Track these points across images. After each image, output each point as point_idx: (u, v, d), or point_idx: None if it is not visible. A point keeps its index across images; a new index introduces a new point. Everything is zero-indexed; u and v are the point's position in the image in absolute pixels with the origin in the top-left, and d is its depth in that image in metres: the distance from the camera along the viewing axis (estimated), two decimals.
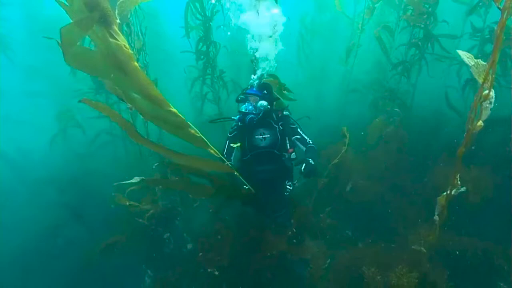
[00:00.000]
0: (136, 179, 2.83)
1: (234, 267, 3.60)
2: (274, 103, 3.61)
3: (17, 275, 4.91)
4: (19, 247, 5.37)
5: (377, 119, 5.52)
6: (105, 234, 4.54)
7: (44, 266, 4.90)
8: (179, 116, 2.47)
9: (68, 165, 7.41)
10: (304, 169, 3.24)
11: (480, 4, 5.47)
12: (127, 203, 3.64)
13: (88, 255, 4.48)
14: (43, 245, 5.33)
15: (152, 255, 4.30)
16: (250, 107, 3.39)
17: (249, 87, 3.52)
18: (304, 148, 3.53)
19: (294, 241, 3.70)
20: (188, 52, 6.06)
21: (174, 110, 2.45)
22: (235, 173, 3.08)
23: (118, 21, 2.28)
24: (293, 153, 3.58)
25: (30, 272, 4.92)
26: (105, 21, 2.18)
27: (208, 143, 2.69)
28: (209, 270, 3.51)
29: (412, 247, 2.90)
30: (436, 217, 2.62)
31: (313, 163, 3.28)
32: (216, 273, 3.49)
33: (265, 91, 3.46)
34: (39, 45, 8.85)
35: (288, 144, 3.55)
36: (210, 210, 4.03)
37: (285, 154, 3.56)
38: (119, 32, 2.25)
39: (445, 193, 2.50)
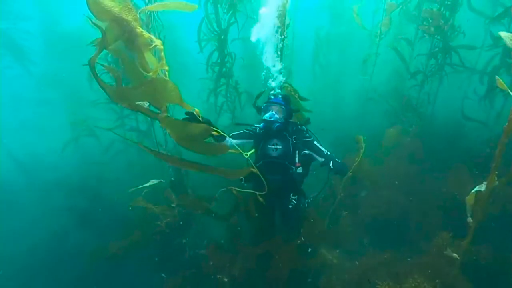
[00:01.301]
0: (153, 182, 2.80)
1: (245, 276, 3.59)
2: (294, 114, 3.66)
3: (25, 278, 4.88)
4: (30, 250, 5.38)
5: (391, 129, 5.45)
6: (117, 238, 4.53)
7: (53, 269, 4.87)
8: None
9: (82, 172, 7.44)
10: (333, 165, 3.27)
11: (502, 15, 5.39)
12: (145, 205, 3.58)
13: (98, 259, 4.50)
14: (53, 248, 5.32)
15: (164, 258, 4.29)
16: (276, 115, 3.43)
17: (272, 96, 3.58)
18: (323, 159, 3.49)
19: (309, 250, 3.69)
20: (205, 64, 6.10)
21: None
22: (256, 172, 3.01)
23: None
24: (300, 168, 3.56)
25: (39, 275, 4.88)
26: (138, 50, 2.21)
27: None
28: (218, 276, 3.56)
29: (444, 252, 2.75)
30: (469, 219, 2.45)
31: (339, 161, 3.33)
32: (226, 279, 3.53)
33: (287, 102, 3.56)
34: (56, 56, 9.12)
35: (297, 158, 3.54)
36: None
37: (293, 167, 3.56)
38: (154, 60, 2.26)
39: (474, 191, 2.35)
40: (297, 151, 3.54)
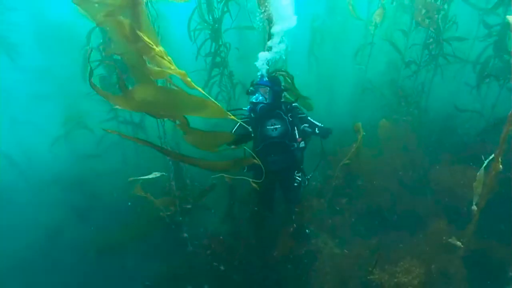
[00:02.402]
0: (155, 174, 2.80)
1: (243, 265, 3.70)
2: (284, 94, 3.79)
3: (22, 272, 4.84)
4: (25, 246, 5.30)
5: (384, 119, 5.49)
6: (114, 231, 4.62)
7: (50, 264, 4.84)
8: None
9: (76, 166, 7.37)
10: (318, 129, 3.53)
11: (497, 5, 5.42)
12: (144, 195, 3.57)
13: (95, 251, 4.58)
14: (49, 243, 5.30)
15: (161, 248, 4.33)
16: (261, 97, 3.51)
17: (259, 78, 3.60)
18: (316, 130, 3.67)
19: (306, 234, 3.85)
20: (197, 54, 5.99)
21: None
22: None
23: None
24: (302, 142, 3.72)
25: (36, 270, 4.84)
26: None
27: None
28: (214, 264, 3.65)
29: (449, 240, 2.78)
30: (474, 207, 2.45)
31: (323, 126, 3.61)
32: (222, 268, 3.63)
33: (274, 83, 3.60)
34: (46, 48, 9.01)
35: (297, 134, 3.67)
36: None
37: (295, 143, 3.68)
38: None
39: (481, 173, 2.34)
40: (295, 127, 3.66)
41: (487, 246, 3.45)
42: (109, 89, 6.24)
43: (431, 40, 5.70)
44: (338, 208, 4.18)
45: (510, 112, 2.16)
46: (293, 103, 3.77)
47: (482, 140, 5.18)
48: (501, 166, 2.26)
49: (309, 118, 3.74)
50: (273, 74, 3.70)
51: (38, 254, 5.09)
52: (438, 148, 5.35)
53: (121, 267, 4.44)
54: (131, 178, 3.00)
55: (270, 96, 3.52)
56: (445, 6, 5.53)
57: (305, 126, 3.68)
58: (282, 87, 3.71)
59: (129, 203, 4.17)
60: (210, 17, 5.65)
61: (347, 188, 4.50)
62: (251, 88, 3.57)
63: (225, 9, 5.66)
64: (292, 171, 3.84)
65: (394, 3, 6.41)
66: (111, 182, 5.88)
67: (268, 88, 3.51)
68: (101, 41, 5.62)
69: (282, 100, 3.75)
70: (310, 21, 9.20)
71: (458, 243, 2.66)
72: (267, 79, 3.56)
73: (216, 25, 5.70)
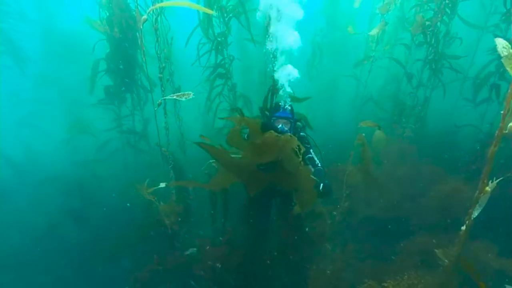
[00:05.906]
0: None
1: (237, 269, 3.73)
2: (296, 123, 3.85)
3: (16, 275, 4.91)
4: (24, 245, 5.41)
5: (378, 131, 5.47)
6: (111, 234, 4.72)
7: (47, 266, 4.93)
8: None
9: (77, 170, 7.49)
10: (322, 189, 3.34)
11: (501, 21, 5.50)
12: (151, 199, 3.62)
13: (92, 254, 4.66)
14: (46, 245, 5.36)
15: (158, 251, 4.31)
16: (286, 129, 3.59)
17: (280, 109, 3.69)
18: (313, 169, 3.59)
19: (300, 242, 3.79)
20: (200, 64, 6.08)
21: None
22: None
23: None
24: None
25: (30, 272, 4.93)
26: None
27: None
28: (209, 263, 3.68)
29: (437, 252, 2.74)
30: (462, 228, 2.41)
31: (328, 182, 3.41)
32: (218, 265, 3.67)
33: (293, 114, 3.75)
34: (54, 56, 9.30)
35: None
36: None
37: None
38: None
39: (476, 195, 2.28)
40: None
41: (480, 261, 3.44)
42: (113, 98, 6.37)
43: (431, 56, 5.76)
44: (333, 217, 4.18)
45: (497, 131, 2.06)
46: (303, 132, 3.87)
47: (480, 155, 5.18)
48: (489, 189, 2.16)
49: (311, 151, 3.76)
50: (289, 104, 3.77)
51: (32, 254, 5.18)
52: (437, 162, 5.34)
53: (116, 267, 4.53)
54: (148, 190, 3.05)
55: (290, 127, 3.65)
56: (445, 19, 5.59)
57: (308, 158, 3.69)
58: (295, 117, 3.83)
59: (128, 204, 4.27)
60: (211, 32, 5.73)
61: (342, 197, 4.51)
62: (273, 118, 3.66)
63: (229, 24, 5.77)
64: (289, 198, 3.68)
65: (392, 17, 6.48)
66: (111, 185, 6.06)
67: (291, 120, 3.65)
68: (108, 51, 5.78)
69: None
70: (311, 35, 9.37)
71: (446, 260, 2.61)
72: (288, 110, 3.69)
73: (219, 39, 5.78)
